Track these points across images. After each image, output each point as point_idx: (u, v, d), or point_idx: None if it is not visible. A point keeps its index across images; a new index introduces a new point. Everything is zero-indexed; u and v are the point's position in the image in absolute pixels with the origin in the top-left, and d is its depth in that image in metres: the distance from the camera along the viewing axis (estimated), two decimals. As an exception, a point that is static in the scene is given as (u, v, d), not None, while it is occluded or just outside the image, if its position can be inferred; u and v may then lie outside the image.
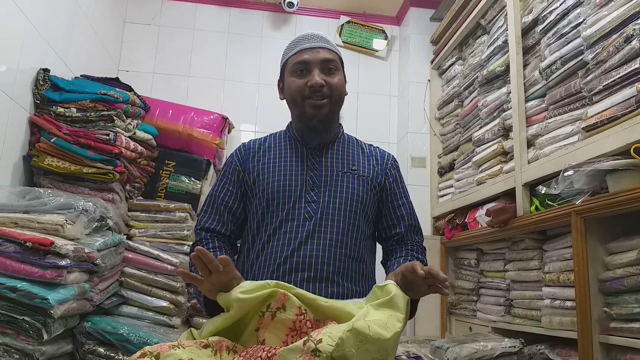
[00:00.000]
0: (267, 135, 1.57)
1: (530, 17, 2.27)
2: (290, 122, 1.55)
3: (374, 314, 1.09)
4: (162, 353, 1.04)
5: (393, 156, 1.58)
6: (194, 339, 1.19)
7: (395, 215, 1.49)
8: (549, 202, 1.99)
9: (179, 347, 1.06)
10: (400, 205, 1.50)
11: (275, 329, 1.15)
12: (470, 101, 2.89)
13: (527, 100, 2.26)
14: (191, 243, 1.71)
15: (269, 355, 1.03)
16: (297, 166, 1.44)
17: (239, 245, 1.53)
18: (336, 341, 1.01)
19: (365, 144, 1.58)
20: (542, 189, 2.00)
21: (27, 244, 1.66)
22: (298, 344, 1.03)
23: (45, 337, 1.66)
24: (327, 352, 0.99)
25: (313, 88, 1.39)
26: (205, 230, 1.44)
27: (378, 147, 1.59)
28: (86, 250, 1.84)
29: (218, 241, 1.43)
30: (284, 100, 1.51)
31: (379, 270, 1.48)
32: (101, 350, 1.98)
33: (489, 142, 2.59)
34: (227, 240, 1.46)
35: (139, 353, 1.05)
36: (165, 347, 1.06)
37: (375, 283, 1.30)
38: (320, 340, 1.01)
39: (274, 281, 1.20)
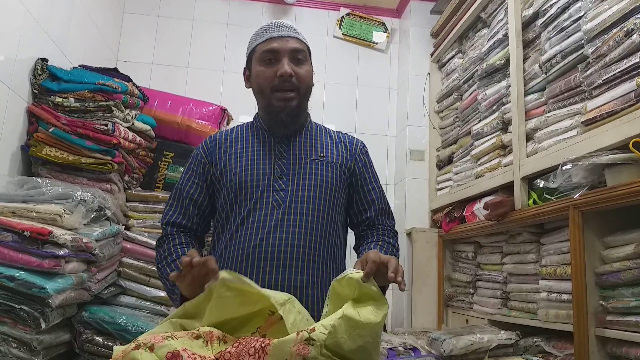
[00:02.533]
0: (234, 127, 1.55)
1: (530, 11, 2.26)
2: (257, 112, 1.54)
3: (359, 307, 1.09)
4: (157, 344, 1.04)
5: (362, 141, 1.57)
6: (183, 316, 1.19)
7: (365, 200, 1.48)
8: (547, 196, 1.99)
9: (172, 338, 1.06)
10: (370, 189, 1.50)
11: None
12: (470, 94, 2.89)
13: (526, 94, 2.25)
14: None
15: (262, 345, 1.04)
16: (264, 155, 1.43)
17: (207, 239, 1.52)
18: (329, 329, 1.02)
19: (333, 131, 1.57)
20: (540, 183, 2.00)
21: (25, 233, 1.67)
22: (292, 335, 1.04)
23: (43, 326, 1.66)
24: (321, 340, 1.01)
25: (282, 78, 1.38)
26: (171, 225, 1.43)
27: (347, 134, 1.58)
28: (84, 240, 1.84)
29: (185, 236, 1.42)
30: (249, 89, 1.50)
31: (351, 257, 1.47)
32: (99, 339, 1.99)
33: (487, 135, 2.59)
34: (193, 235, 1.45)
35: (132, 344, 1.04)
36: (159, 337, 1.06)
37: (346, 269, 1.25)
38: (313, 329, 1.03)
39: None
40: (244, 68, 1.53)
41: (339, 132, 1.58)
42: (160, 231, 2.46)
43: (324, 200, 1.39)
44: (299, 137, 1.48)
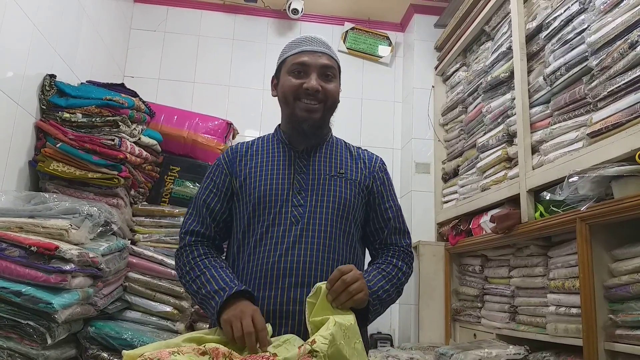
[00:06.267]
0: (255, 139, 1.55)
1: (534, 24, 2.27)
2: (279, 125, 1.54)
3: (335, 313, 1.16)
4: (163, 359, 1.03)
5: (381, 159, 1.56)
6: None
7: (382, 219, 1.47)
8: (553, 209, 1.98)
9: (178, 354, 1.06)
10: (387, 208, 1.48)
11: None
12: (475, 107, 2.90)
13: (531, 106, 2.25)
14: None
15: None
16: (284, 170, 1.42)
17: (225, 247, 1.51)
18: (329, 338, 1.05)
19: (353, 147, 1.56)
20: (547, 195, 1.99)
21: (32, 248, 1.67)
22: (294, 350, 1.05)
23: (49, 341, 1.66)
24: (324, 351, 1.03)
25: (308, 91, 1.38)
26: (190, 234, 1.41)
27: (367, 150, 1.57)
28: (90, 255, 1.85)
29: (202, 247, 1.40)
30: (276, 97, 1.50)
31: None
32: (105, 355, 1.98)
33: (493, 148, 2.58)
34: (211, 244, 1.44)
35: (139, 359, 1.04)
36: (165, 353, 1.06)
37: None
38: (314, 341, 1.05)
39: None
40: (272, 77, 1.53)
41: (359, 147, 1.57)
42: (167, 245, 2.50)
43: (342, 217, 1.38)
44: (319, 152, 1.47)
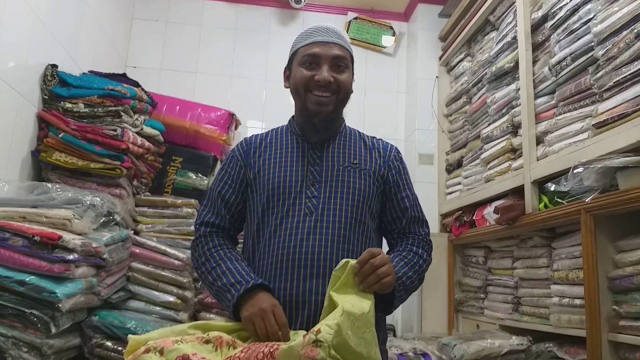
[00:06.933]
0: (269, 130, 1.55)
1: (539, 13, 2.25)
2: (293, 116, 1.53)
3: (345, 298, 1.13)
4: (166, 348, 1.04)
5: (396, 147, 1.55)
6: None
7: (399, 208, 1.46)
8: (558, 200, 1.97)
9: (182, 342, 1.07)
10: (403, 197, 1.47)
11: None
12: (479, 98, 2.88)
13: (536, 96, 2.24)
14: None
15: (271, 350, 1.04)
16: (297, 161, 1.42)
17: (240, 239, 1.52)
18: (334, 329, 1.04)
19: (367, 136, 1.55)
20: (551, 186, 1.98)
21: (35, 238, 1.67)
22: (299, 339, 1.04)
23: (53, 330, 1.67)
24: (328, 341, 1.02)
25: (319, 83, 1.37)
26: (205, 225, 1.42)
27: (381, 140, 1.56)
28: (94, 245, 1.85)
29: (217, 237, 1.41)
30: (288, 88, 1.49)
31: None
32: (108, 344, 1.99)
33: (497, 139, 2.57)
34: (226, 235, 1.44)
35: (143, 348, 1.05)
36: (168, 341, 1.06)
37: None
38: (319, 331, 1.04)
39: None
40: (285, 68, 1.51)
41: (373, 137, 1.56)
42: (170, 235, 2.50)
43: (357, 207, 1.38)
44: (332, 144, 1.46)
